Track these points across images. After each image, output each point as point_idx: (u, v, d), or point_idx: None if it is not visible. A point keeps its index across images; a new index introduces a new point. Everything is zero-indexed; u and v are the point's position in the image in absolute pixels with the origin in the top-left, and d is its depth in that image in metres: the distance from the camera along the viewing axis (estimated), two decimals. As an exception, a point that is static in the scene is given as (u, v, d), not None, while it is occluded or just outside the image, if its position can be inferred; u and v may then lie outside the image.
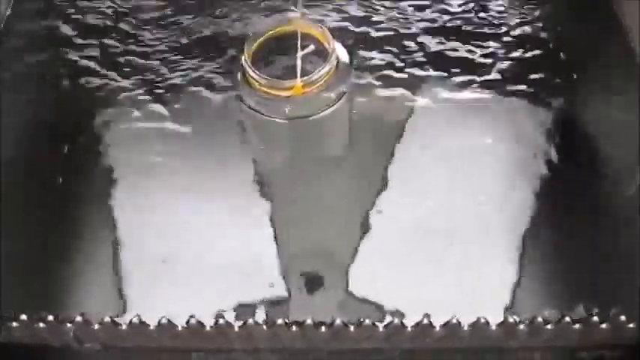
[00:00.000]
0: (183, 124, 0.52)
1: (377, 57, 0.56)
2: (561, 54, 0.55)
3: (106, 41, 0.58)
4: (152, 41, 0.58)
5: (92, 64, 0.56)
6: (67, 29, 0.59)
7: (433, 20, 0.58)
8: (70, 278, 0.45)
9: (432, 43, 0.56)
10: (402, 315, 0.42)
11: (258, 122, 0.53)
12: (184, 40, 0.58)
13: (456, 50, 0.56)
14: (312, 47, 0.53)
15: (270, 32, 0.55)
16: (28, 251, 0.46)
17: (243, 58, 0.53)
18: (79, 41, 0.58)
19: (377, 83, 0.54)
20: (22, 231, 0.47)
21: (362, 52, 0.56)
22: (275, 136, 0.53)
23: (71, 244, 0.46)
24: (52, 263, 0.46)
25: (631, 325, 0.39)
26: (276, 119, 0.52)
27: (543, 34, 0.56)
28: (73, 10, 0.60)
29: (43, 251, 0.46)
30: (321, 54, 0.53)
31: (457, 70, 0.54)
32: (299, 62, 0.52)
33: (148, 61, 0.56)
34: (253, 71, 0.52)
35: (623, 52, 0.54)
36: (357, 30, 0.57)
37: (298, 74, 0.51)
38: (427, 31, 0.57)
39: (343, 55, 0.54)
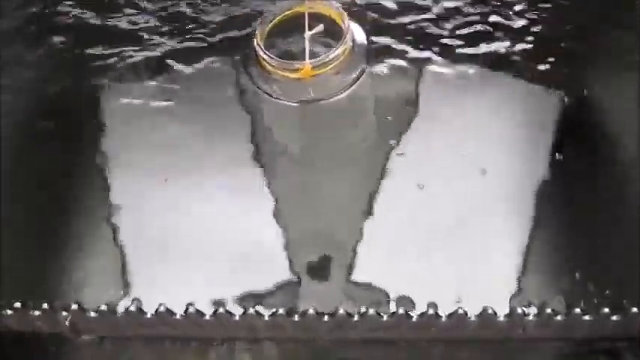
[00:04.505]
0: (189, 104, 0.51)
1: (391, 39, 0.54)
2: (570, 36, 0.54)
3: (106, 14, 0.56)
4: (158, 19, 0.56)
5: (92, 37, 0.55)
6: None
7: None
8: (65, 265, 0.44)
9: (446, 22, 0.55)
10: (407, 305, 0.40)
11: (268, 105, 0.51)
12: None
13: (470, 25, 0.54)
14: (321, 27, 0.52)
15: (286, 13, 0.53)
16: (23, 238, 0.45)
17: (255, 39, 0.51)
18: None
19: (393, 66, 0.52)
20: (17, 217, 0.46)
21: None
22: (285, 119, 0.51)
23: (67, 230, 0.45)
24: (48, 250, 0.44)
25: (643, 317, 0.38)
26: (287, 102, 0.51)
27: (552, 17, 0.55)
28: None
29: (38, 237, 0.45)
30: (339, 35, 0.52)
31: (473, 50, 0.53)
32: (307, 43, 0.50)
33: (154, 38, 0.55)
34: (264, 52, 0.50)
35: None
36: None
37: (307, 55, 0.50)
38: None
39: (360, 36, 0.53)
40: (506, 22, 0.54)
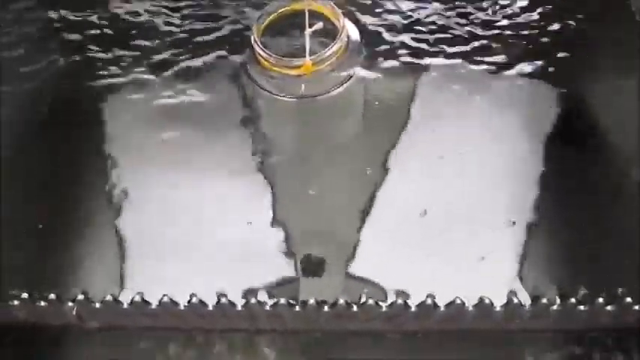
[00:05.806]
0: (189, 102, 0.52)
1: (386, 34, 0.55)
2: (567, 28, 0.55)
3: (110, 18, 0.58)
4: (155, 16, 0.57)
5: (93, 38, 0.56)
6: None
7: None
8: (71, 256, 0.45)
9: (438, 18, 0.56)
10: (405, 296, 0.41)
11: (267, 101, 0.52)
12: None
13: (461, 25, 0.55)
14: (320, 24, 0.53)
15: (281, 10, 0.54)
16: (29, 229, 0.46)
17: (252, 36, 0.52)
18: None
19: (387, 62, 0.53)
20: (23, 208, 0.47)
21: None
22: (284, 115, 0.52)
23: (72, 222, 0.46)
24: (54, 241, 0.45)
25: (637, 308, 0.38)
26: (285, 98, 0.52)
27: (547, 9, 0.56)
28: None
29: (45, 229, 0.46)
30: (332, 32, 0.52)
31: (464, 46, 0.54)
32: (307, 40, 0.51)
33: (152, 38, 0.56)
34: (262, 50, 0.51)
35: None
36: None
37: (307, 52, 0.51)
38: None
39: (354, 33, 0.54)
40: (506, 22, 0.55)
